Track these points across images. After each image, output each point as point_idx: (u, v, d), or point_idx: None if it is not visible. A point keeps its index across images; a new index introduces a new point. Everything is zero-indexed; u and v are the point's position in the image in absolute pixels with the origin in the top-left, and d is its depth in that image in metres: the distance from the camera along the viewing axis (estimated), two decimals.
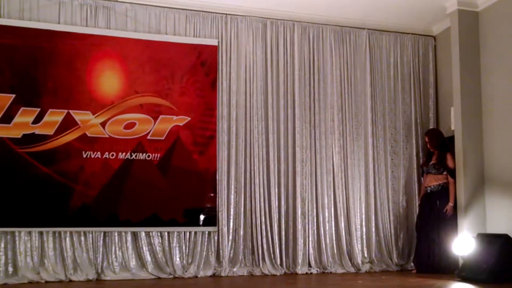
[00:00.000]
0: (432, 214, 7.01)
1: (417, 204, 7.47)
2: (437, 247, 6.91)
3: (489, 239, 6.24)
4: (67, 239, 6.39)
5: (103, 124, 6.61)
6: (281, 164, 7.12)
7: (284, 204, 7.07)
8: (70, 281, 6.19)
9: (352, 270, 7.10)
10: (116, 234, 6.55)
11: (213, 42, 7.05)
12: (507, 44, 6.72)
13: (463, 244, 6.54)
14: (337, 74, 7.47)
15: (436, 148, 7.13)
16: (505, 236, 6.10)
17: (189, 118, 6.89)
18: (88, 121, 6.57)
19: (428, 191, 7.11)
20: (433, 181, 7.08)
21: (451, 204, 6.90)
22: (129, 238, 6.59)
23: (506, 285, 5.67)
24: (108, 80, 6.67)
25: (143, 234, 6.62)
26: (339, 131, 7.40)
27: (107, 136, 6.61)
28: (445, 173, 7.04)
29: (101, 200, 6.51)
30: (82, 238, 6.45)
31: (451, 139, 7.16)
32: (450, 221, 6.93)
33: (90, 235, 6.46)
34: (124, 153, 6.64)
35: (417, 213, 7.33)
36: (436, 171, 7.06)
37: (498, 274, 5.90)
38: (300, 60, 7.35)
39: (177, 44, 6.92)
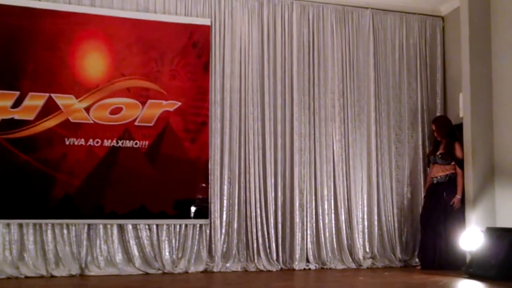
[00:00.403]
0: (438, 207, 6.92)
1: (422, 196, 7.37)
2: (443, 241, 6.85)
3: (498, 234, 6.17)
4: (49, 231, 6.25)
5: (87, 109, 6.44)
6: (278, 153, 6.99)
7: (281, 195, 6.95)
8: (52, 276, 6.07)
9: (353, 266, 7.03)
10: (101, 226, 6.42)
11: (205, 21, 6.90)
12: None
13: (471, 238, 6.46)
14: (338, 57, 7.34)
15: (444, 137, 7.03)
16: None
17: (180, 103, 6.72)
18: (71, 106, 6.40)
19: (435, 182, 7.03)
20: (440, 172, 7.00)
21: (458, 196, 6.84)
22: (115, 231, 6.46)
23: None
24: (93, 62, 6.52)
25: (130, 226, 6.49)
26: (340, 118, 7.27)
27: (92, 122, 6.44)
28: (452, 163, 6.95)
29: (85, 190, 6.38)
30: (65, 230, 6.31)
31: (460, 126, 7.08)
32: (457, 215, 6.85)
33: (73, 227, 6.33)
34: (110, 140, 6.48)
35: (422, 205, 7.24)
36: (443, 161, 6.98)
37: (508, 271, 5.81)
38: (299, 41, 7.19)
39: (167, 23, 6.76)
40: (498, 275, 5.74)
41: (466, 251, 6.56)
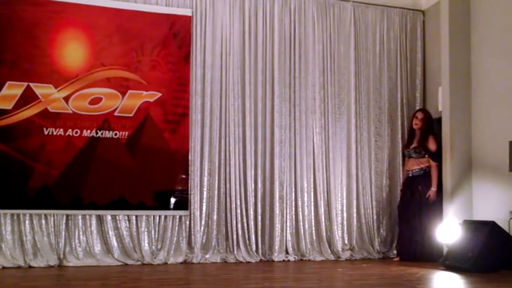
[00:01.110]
0: (413, 200, 6.97)
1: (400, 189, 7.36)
2: (419, 234, 6.90)
3: (475, 226, 6.21)
4: (27, 222, 6.17)
5: (66, 99, 6.35)
6: (258, 145, 6.95)
7: (260, 187, 6.92)
8: (30, 267, 6.00)
9: (332, 257, 7.02)
10: (79, 217, 6.35)
11: (186, 12, 6.81)
12: (499, 21, 6.65)
13: (448, 231, 6.50)
14: (319, 50, 7.30)
15: (425, 126, 7.01)
16: (492, 223, 6.07)
17: (160, 94, 6.65)
18: (50, 95, 6.30)
19: (410, 175, 7.07)
20: (414, 165, 7.04)
21: (433, 188, 6.87)
22: (93, 222, 6.40)
23: (492, 274, 5.69)
24: (72, 51, 6.42)
25: (109, 217, 6.43)
26: (320, 110, 7.24)
27: (71, 111, 6.35)
28: (427, 156, 6.98)
29: (63, 181, 6.30)
30: (43, 221, 6.23)
31: (439, 120, 7.13)
32: (433, 207, 6.89)
33: (52, 218, 6.25)
34: (89, 131, 6.40)
35: (399, 199, 7.26)
36: (417, 155, 7.02)
37: (484, 263, 5.87)
38: (280, 33, 7.14)
39: (148, 13, 6.67)
40: (474, 267, 5.78)
41: (443, 244, 6.61)
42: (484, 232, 5.97)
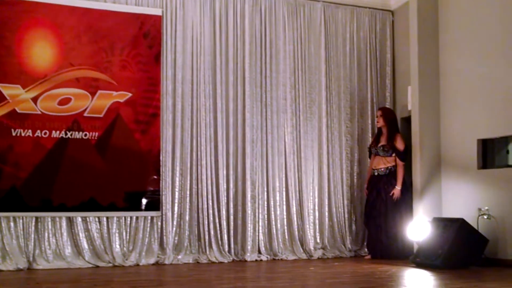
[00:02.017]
0: (379, 199, 7.00)
1: (365, 188, 7.37)
2: (384, 233, 6.93)
3: (444, 224, 6.27)
4: None
5: (34, 100, 6.26)
6: (230, 145, 6.95)
7: (232, 187, 6.91)
8: None
9: (304, 256, 7.03)
10: (49, 219, 6.26)
11: (157, 11, 6.76)
12: (467, 21, 6.74)
13: (418, 229, 6.56)
14: (290, 49, 7.31)
15: (388, 124, 7.04)
16: (461, 220, 6.13)
17: (131, 94, 6.60)
18: (18, 96, 6.20)
19: (376, 174, 7.11)
20: (381, 164, 7.07)
21: (397, 187, 6.91)
22: (64, 224, 6.31)
23: (461, 270, 5.76)
24: (40, 51, 6.33)
25: (79, 219, 6.36)
26: (291, 110, 7.25)
27: (39, 112, 6.26)
28: (394, 155, 7.01)
29: (32, 182, 6.21)
30: (12, 223, 6.12)
31: (408, 119, 7.21)
32: (398, 206, 6.93)
33: (21, 220, 6.14)
34: (58, 132, 6.32)
35: (366, 198, 7.27)
36: (384, 153, 7.04)
37: (453, 260, 5.94)
38: (251, 33, 7.13)
39: (117, 13, 6.61)
40: (444, 263, 5.85)
41: (413, 241, 6.66)
42: (453, 229, 6.04)
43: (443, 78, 6.95)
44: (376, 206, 6.94)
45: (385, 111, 7.11)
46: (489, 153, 6.53)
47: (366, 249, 7.25)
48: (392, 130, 7.01)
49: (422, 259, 6.12)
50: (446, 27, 6.94)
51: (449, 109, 6.86)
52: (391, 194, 6.87)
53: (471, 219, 6.19)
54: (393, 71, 7.76)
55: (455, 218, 6.24)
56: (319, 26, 7.43)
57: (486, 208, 6.24)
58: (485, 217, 6.21)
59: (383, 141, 7.05)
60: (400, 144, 6.94)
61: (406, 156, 6.94)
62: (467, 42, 6.68)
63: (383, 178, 6.98)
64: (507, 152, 6.48)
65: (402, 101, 7.54)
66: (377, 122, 7.11)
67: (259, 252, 6.89)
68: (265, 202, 7.01)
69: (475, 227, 6.16)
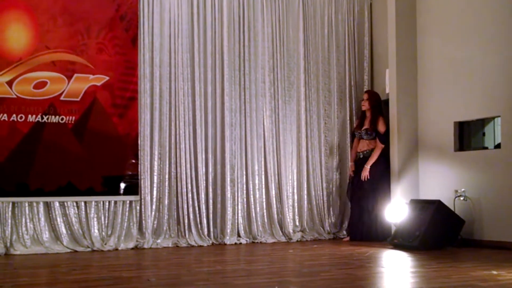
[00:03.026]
0: (363, 182, 7.01)
1: (350, 170, 7.40)
2: (367, 214, 6.99)
3: (421, 205, 6.32)
4: None
5: (9, 83, 6.16)
6: (209, 128, 6.92)
7: (211, 171, 6.90)
8: None
9: (283, 239, 7.05)
10: (26, 204, 6.19)
11: None
12: (445, 4, 6.75)
13: (395, 210, 6.61)
14: (268, 32, 7.26)
15: (373, 107, 7.08)
16: (438, 202, 6.18)
17: (108, 78, 6.53)
18: None
19: (361, 156, 7.15)
20: (365, 147, 7.12)
21: (366, 166, 6.96)
22: (41, 209, 6.25)
23: (438, 251, 5.83)
24: (15, 34, 6.22)
25: (57, 204, 6.30)
26: (270, 93, 7.24)
27: (15, 96, 6.18)
28: (377, 138, 7.04)
29: (8, 167, 6.13)
30: None
31: (386, 102, 7.21)
32: (382, 188, 6.99)
33: None
34: (34, 116, 6.24)
35: (349, 180, 7.32)
36: (368, 136, 7.09)
37: (430, 241, 6.00)
38: (229, 16, 7.07)
39: None
40: (421, 245, 5.90)
41: (391, 223, 6.72)
42: (430, 210, 6.09)
43: (421, 61, 6.97)
44: (361, 188, 6.97)
45: (371, 95, 7.14)
46: (466, 135, 6.59)
47: (344, 231, 7.30)
48: (375, 113, 7.04)
49: (400, 241, 6.17)
50: (424, 10, 6.94)
51: (426, 92, 6.89)
52: (367, 177, 6.91)
53: (447, 201, 6.26)
54: (371, 54, 7.75)
55: (432, 200, 6.29)
56: (297, 8, 7.39)
57: (463, 189, 6.31)
58: (462, 198, 6.29)
59: (366, 124, 7.08)
60: (381, 127, 6.97)
61: (387, 139, 6.97)
62: (445, 25, 6.69)
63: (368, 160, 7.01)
64: (483, 134, 6.55)
65: (380, 84, 7.55)
66: (363, 105, 7.12)
67: (239, 235, 6.90)
68: (244, 186, 7.01)
69: (452, 208, 6.23)
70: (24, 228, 6.12)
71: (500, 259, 5.16)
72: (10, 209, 6.07)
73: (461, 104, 6.47)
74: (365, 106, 7.10)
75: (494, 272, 4.40)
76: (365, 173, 6.91)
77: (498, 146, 6.30)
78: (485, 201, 6.14)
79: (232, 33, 7.05)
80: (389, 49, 7.07)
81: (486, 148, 6.45)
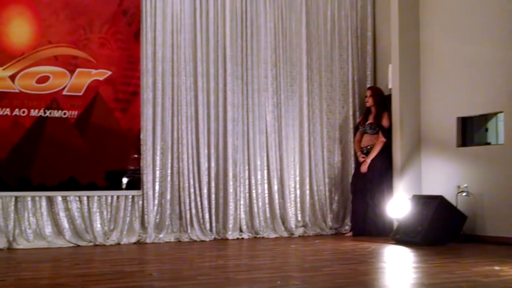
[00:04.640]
0: (367, 176, 7.00)
1: (353, 166, 7.44)
2: (370, 210, 6.99)
3: (424, 201, 6.31)
4: None
5: (12, 78, 6.17)
6: (211, 123, 6.92)
7: (214, 166, 6.89)
8: None
9: (285, 234, 7.04)
10: (29, 199, 6.21)
11: None
12: None
13: (398, 206, 6.59)
14: (271, 27, 7.25)
15: (377, 103, 7.08)
16: (440, 197, 6.16)
17: (110, 72, 6.54)
18: None
19: (365, 151, 7.14)
20: (369, 142, 7.11)
21: (367, 159, 6.94)
22: (43, 204, 6.27)
23: (440, 247, 5.82)
24: (17, 29, 6.22)
25: (59, 198, 6.31)
26: (272, 88, 7.22)
27: (17, 91, 6.19)
28: (381, 133, 7.02)
29: (11, 162, 6.16)
30: None
31: (389, 97, 7.19)
32: (386, 183, 6.97)
33: (0, 200, 6.08)
34: (36, 110, 6.25)
35: (352, 174, 7.31)
36: (372, 131, 7.08)
37: (432, 236, 5.99)
38: (232, 10, 7.06)
39: None
40: (424, 240, 5.89)
41: (393, 218, 6.70)
42: (433, 206, 6.08)
43: (424, 56, 6.95)
44: (364, 183, 6.96)
45: (374, 91, 7.13)
46: (468, 131, 6.58)
47: (347, 227, 7.29)
48: (380, 109, 7.03)
49: (402, 236, 6.16)
50: (427, 5, 6.92)
51: (429, 87, 6.87)
52: (367, 170, 6.90)
53: (450, 196, 6.24)
54: (374, 49, 7.72)
55: (434, 195, 6.27)
56: (300, 3, 7.37)
57: (465, 185, 6.30)
58: (464, 194, 6.27)
59: (371, 119, 7.07)
60: (386, 122, 6.97)
61: (390, 134, 6.96)
62: (448, 20, 6.67)
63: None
64: (486, 130, 6.53)
65: (382, 80, 7.54)
66: (366, 101, 7.11)
67: (241, 230, 6.89)
68: (247, 181, 7.01)
69: (454, 204, 6.22)
70: (26, 223, 6.13)
71: (503, 255, 5.15)
72: (13, 203, 6.09)
73: (464, 99, 6.45)
74: (369, 102, 7.09)
75: (497, 268, 4.39)
76: (365, 166, 6.90)
77: (500, 142, 6.28)
78: (488, 196, 6.12)
79: (235, 28, 7.04)
80: (392, 44, 7.06)
81: (489, 143, 6.43)
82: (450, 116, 6.58)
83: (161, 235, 6.54)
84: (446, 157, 6.60)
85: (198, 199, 6.74)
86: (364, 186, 6.98)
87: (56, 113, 6.28)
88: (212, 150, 6.86)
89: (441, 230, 6.03)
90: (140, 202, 6.57)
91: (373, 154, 6.93)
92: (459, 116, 6.52)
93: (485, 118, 6.47)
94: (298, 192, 7.24)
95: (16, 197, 6.11)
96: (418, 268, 4.61)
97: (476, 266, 4.53)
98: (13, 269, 4.76)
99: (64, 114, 6.32)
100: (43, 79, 6.25)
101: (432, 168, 6.78)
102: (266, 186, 7.11)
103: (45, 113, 6.24)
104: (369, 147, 7.04)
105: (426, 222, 6.01)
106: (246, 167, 7.02)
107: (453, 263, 4.76)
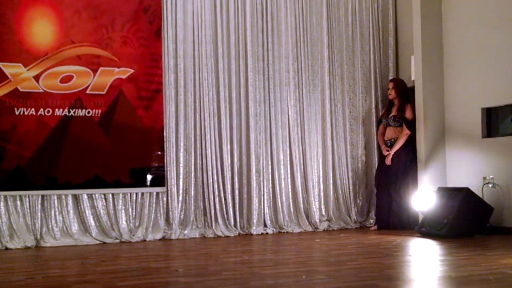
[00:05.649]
0: (391, 169, 6.97)
1: (376, 159, 7.41)
2: (395, 202, 6.96)
3: (449, 193, 6.28)
4: (1, 203, 6.06)
5: (36, 78, 6.22)
6: (233, 119, 6.91)
7: (237, 161, 6.90)
8: (7, 249, 5.90)
9: (310, 229, 7.04)
10: (55, 197, 6.27)
11: None
12: None
13: (423, 198, 6.57)
14: (291, 21, 7.22)
15: (400, 95, 7.04)
16: (466, 189, 6.14)
17: (132, 70, 6.57)
18: (20, 75, 6.17)
19: (388, 144, 7.10)
20: (393, 134, 7.08)
21: (391, 151, 6.91)
22: (69, 202, 6.33)
23: (467, 239, 5.79)
24: (41, 29, 6.27)
25: (85, 196, 6.37)
26: (294, 83, 7.20)
27: (42, 91, 6.24)
28: (404, 125, 6.98)
29: (37, 161, 6.21)
30: (18, 202, 6.13)
31: (412, 89, 7.16)
32: (410, 176, 6.95)
33: (27, 199, 6.15)
34: (61, 110, 6.30)
35: (377, 167, 7.27)
36: (395, 124, 7.05)
37: (458, 229, 5.97)
38: (252, 6, 7.05)
39: None
40: (449, 233, 5.87)
41: (419, 211, 6.68)
42: (458, 198, 6.05)
43: (447, 47, 6.90)
44: (388, 175, 6.92)
45: (397, 83, 7.09)
46: (493, 121, 6.51)
47: (371, 220, 7.27)
48: (403, 101, 6.99)
49: (428, 229, 6.13)
50: None
51: (452, 78, 6.81)
52: (392, 162, 6.87)
53: (476, 188, 6.20)
54: (396, 41, 7.67)
55: (460, 187, 6.25)
56: None
57: (491, 176, 6.25)
58: (490, 185, 6.22)
59: (394, 112, 7.03)
60: (409, 114, 6.92)
61: (414, 126, 6.92)
62: (470, 9, 6.60)
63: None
64: (511, 120, 6.46)
65: (405, 71, 7.49)
66: (389, 94, 7.08)
67: (265, 225, 6.90)
68: (270, 176, 7.00)
69: (480, 196, 6.18)
70: (53, 221, 6.20)
71: None
72: (39, 202, 6.15)
73: (489, 89, 6.39)
74: (392, 94, 7.05)
75: None
76: (389, 158, 6.86)
77: None
78: None
79: (255, 23, 7.03)
80: (414, 35, 7.01)
81: None
82: (474, 106, 6.52)
83: (186, 231, 6.57)
84: (471, 148, 6.55)
85: (222, 194, 6.76)
86: (388, 179, 6.94)
87: (80, 112, 6.34)
88: (235, 146, 6.86)
89: (467, 222, 6.00)
90: (165, 199, 6.60)
91: (397, 147, 6.89)
92: (484, 106, 6.46)
93: (510, 109, 6.40)
94: (321, 186, 7.23)
95: (43, 196, 6.18)
96: (444, 261, 4.59)
97: (503, 258, 4.49)
98: (41, 267, 4.83)
99: (88, 113, 6.37)
100: (67, 79, 6.30)
101: (457, 160, 6.73)
102: (289, 180, 7.10)
103: (69, 112, 6.29)
104: (393, 139, 7.00)
105: (452, 215, 5.98)
106: (269, 162, 7.01)
107: (480, 256, 4.72)
